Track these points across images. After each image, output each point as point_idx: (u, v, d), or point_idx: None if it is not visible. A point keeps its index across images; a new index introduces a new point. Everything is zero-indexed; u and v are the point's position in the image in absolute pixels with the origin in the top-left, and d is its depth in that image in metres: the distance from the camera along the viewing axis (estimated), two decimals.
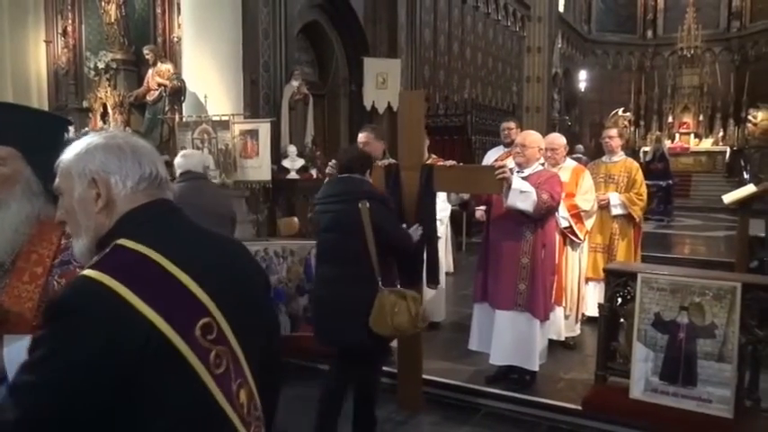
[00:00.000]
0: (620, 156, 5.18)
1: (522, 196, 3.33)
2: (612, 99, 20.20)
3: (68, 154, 1.09)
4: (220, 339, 0.99)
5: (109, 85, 7.89)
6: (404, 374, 3.71)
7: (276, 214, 7.21)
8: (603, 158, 5.26)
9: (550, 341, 4.26)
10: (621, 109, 19.45)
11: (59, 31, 8.61)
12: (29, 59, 8.82)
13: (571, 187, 4.44)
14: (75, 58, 8.51)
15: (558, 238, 4.34)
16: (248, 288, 1.13)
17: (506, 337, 3.60)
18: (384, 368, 3.82)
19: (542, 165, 3.84)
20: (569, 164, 4.60)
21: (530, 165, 3.67)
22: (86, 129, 7.80)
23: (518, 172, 3.62)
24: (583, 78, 20.46)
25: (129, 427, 0.93)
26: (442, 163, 4.21)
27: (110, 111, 7.85)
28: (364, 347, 3.00)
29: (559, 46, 18.28)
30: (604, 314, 3.56)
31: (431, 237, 3.51)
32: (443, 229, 5.12)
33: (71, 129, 1.75)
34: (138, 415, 0.93)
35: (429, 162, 4.33)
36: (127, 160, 1.07)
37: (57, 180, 1.09)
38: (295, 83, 7.35)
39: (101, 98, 7.93)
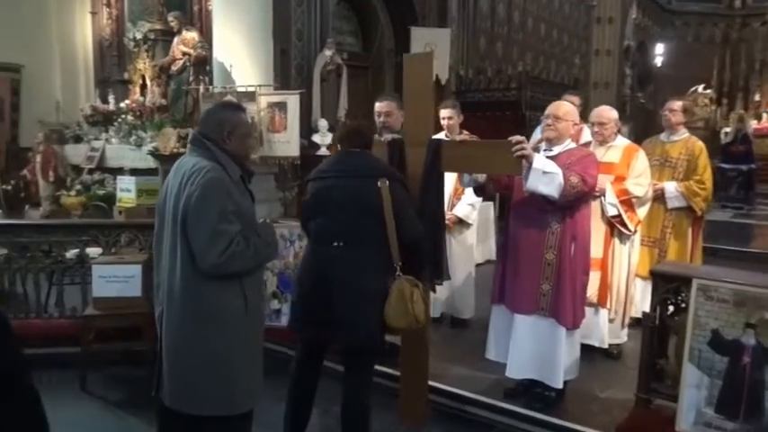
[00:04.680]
0: (681, 134, 4.35)
1: (546, 178, 2.71)
2: (692, 75, 18.55)
3: None
4: None
5: (147, 56, 7.71)
6: (407, 380, 3.20)
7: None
8: (661, 136, 4.42)
9: (591, 348, 3.71)
10: (702, 86, 17.95)
11: (104, 1, 8.51)
12: (75, 31, 8.78)
13: (622, 169, 3.77)
14: (117, 30, 8.40)
15: (604, 228, 3.73)
16: None
17: (525, 347, 3.02)
18: (387, 370, 3.37)
19: (587, 142, 3.20)
20: (621, 142, 3.90)
21: (561, 141, 3.02)
22: (126, 101, 7.69)
23: (545, 150, 3.00)
24: (659, 52, 19.09)
25: None
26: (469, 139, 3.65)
27: (148, 82, 7.69)
28: (374, 344, 2.65)
29: (634, 16, 17.00)
30: (650, 325, 2.93)
31: (437, 223, 2.96)
32: (475, 215, 4.56)
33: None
34: None
35: (460, 138, 3.80)
36: None
37: None
38: (328, 52, 6.86)
39: (139, 69, 7.77)
